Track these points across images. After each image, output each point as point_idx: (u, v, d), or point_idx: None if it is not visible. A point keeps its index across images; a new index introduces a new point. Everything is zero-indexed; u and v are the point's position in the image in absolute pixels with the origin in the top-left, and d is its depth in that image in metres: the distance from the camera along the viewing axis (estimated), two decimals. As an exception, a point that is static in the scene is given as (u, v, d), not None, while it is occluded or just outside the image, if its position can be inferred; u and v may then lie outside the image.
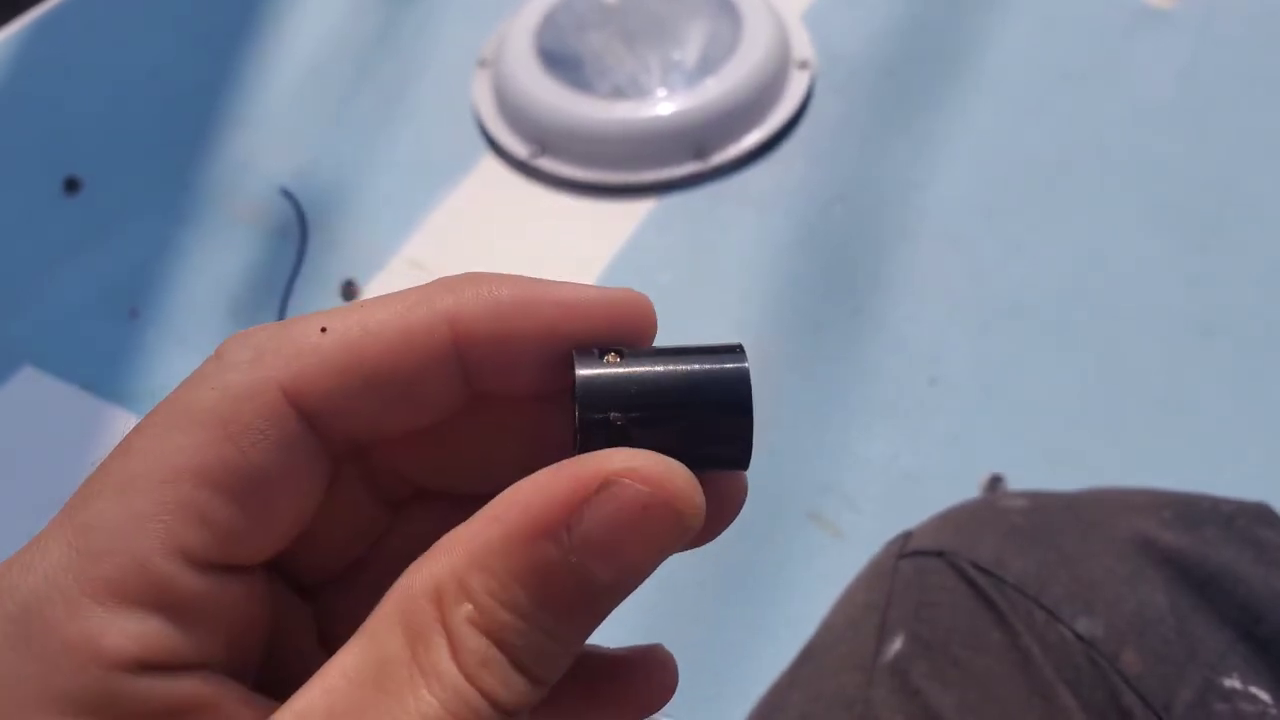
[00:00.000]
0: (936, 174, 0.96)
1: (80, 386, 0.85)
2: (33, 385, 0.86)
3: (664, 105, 0.96)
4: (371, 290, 0.91)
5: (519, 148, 0.99)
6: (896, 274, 0.89)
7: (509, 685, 0.19)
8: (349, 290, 0.90)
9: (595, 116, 0.96)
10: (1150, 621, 0.41)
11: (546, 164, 0.97)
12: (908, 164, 0.97)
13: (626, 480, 0.19)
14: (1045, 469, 0.77)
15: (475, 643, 0.19)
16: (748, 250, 0.92)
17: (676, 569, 0.76)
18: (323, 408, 0.21)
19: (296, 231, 0.91)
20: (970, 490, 0.77)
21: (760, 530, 0.76)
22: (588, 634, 0.20)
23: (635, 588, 0.20)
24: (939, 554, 0.46)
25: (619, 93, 0.98)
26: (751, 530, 0.76)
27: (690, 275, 0.90)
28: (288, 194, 0.87)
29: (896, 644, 0.45)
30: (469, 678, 0.19)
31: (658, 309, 0.24)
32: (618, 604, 0.20)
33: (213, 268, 0.93)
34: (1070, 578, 0.43)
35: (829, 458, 0.79)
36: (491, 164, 1.00)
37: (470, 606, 0.19)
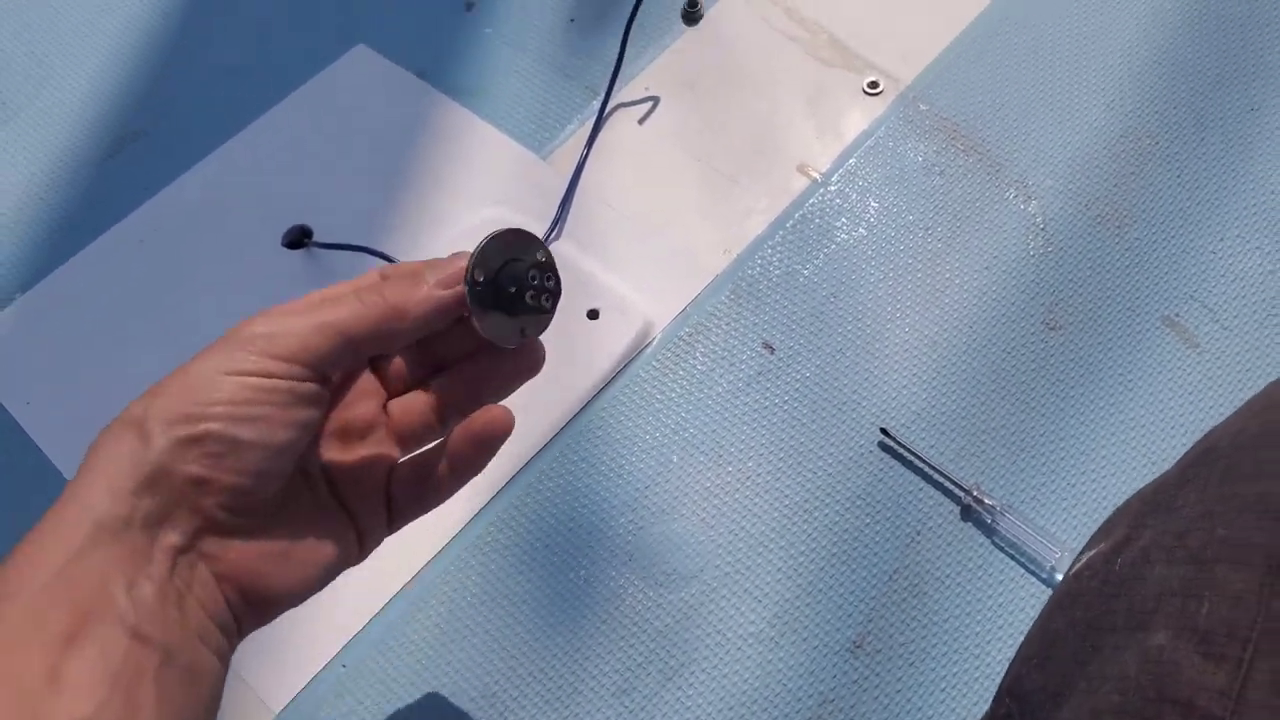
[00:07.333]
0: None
1: (413, 72, 0.84)
2: (366, 63, 0.85)
3: None
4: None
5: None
6: (1300, 74, 0.79)
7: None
8: (689, 12, 0.84)
9: None
10: None
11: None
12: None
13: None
14: None
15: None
16: (1134, 27, 0.82)
17: (1022, 361, 0.71)
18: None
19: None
20: (1357, 324, 0.69)
21: (1112, 327, 0.70)
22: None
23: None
24: None
25: None
26: (1102, 326, 0.70)
27: (1071, 52, 0.81)
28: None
29: None
30: None
31: None
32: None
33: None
34: None
35: (1197, 264, 0.72)
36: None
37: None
